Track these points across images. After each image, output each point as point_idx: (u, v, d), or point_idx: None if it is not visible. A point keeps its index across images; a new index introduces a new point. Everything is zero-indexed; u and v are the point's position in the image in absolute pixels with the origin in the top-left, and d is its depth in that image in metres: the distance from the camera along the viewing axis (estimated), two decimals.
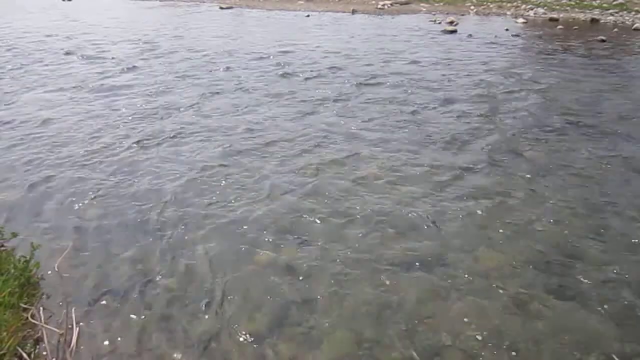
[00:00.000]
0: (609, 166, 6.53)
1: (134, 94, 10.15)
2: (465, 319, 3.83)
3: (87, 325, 3.79)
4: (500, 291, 4.14)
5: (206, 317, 3.90)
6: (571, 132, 7.81)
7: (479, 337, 3.65)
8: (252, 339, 3.67)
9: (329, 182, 6.09)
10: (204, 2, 29.61)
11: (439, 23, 20.53)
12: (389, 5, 27.03)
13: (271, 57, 13.80)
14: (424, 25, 20.29)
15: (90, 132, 7.93)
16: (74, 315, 3.73)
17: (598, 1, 23.83)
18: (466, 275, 4.34)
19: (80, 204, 5.62)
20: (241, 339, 3.67)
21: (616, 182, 6.09)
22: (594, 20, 20.86)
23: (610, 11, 22.09)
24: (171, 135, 7.72)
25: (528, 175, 6.27)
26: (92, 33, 18.13)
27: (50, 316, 3.83)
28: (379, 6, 26.80)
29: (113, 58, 13.64)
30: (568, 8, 23.45)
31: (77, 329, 3.64)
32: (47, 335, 3.57)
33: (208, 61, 13.34)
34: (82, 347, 3.57)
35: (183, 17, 23.81)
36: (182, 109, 9.10)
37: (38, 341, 3.59)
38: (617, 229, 5.06)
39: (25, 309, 3.80)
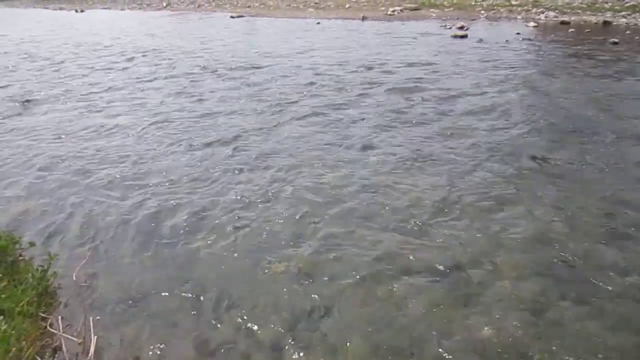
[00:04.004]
0: (624, 171, 6.44)
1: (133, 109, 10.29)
2: (483, 327, 3.79)
3: (105, 333, 3.82)
4: (518, 299, 4.09)
5: (222, 324, 3.91)
6: (585, 136, 7.71)
7: (496, 346, 3.61)
8: (267, 346, 3.67)
9: (341, 185, 6.10)
10: (214, 11, 29.92)
11: (449, 28, 20.49)
12: (399, 11, 27.08)
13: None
14: (434, 30, 20.27)
15: (98, 142, 8.04)
16: (91, 324, 3.76)
17: (610, 3, 23.64)
18: (482, 283, 4.30)
19: (97, 214, 5.68)
20: (256, 347, 3.67)
21: (632, 187, 6.00)
22: (606, 23, 20.65)
23: (623, 13, 21.86)
24: (186, 145, 7.81)
25: (541, 181, 6.20)
26: (87, 41, 18.67)
27: (68, 325, 3.87)
28: (389, 12, 26.85)
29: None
30: (579, 11, 23.27)
31: (95, 337, 3.66)
32: (66, 344, 3.60)
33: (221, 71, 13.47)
34: (100, 356, 3.60)
35: (195, 25, 24.04)
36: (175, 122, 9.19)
37: (56, 350, 3.62)
38: (635, 235, 4.98)
39: (43, 318, 3.85)
